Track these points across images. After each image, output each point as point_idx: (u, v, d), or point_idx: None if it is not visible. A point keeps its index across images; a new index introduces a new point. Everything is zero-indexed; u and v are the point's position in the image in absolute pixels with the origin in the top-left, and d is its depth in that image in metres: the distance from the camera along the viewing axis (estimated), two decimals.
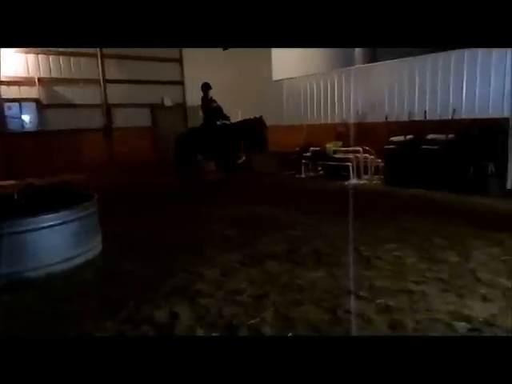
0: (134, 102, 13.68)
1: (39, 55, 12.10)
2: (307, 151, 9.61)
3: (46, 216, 3.78)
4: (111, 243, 4.62)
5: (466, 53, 7.15)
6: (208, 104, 7.90)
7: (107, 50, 12.93)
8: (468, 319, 2.73)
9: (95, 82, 13.04)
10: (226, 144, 7.44)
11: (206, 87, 7.98)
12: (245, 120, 7.68)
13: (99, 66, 13.01)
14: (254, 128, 7.31)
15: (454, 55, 7.34)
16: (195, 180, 8.08)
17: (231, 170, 7.85)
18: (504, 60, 6.64)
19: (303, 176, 9.66)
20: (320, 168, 9.50)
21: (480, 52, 6.98)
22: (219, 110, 7.90)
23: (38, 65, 12.18)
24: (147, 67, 13.85)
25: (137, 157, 12.96)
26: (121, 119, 13.45)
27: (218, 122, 7.66)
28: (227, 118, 7.85)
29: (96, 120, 13.07)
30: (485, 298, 3.03)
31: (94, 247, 4.32)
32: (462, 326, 2.65)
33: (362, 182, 8.39)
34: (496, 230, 4.62)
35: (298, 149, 9.81)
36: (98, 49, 12.75)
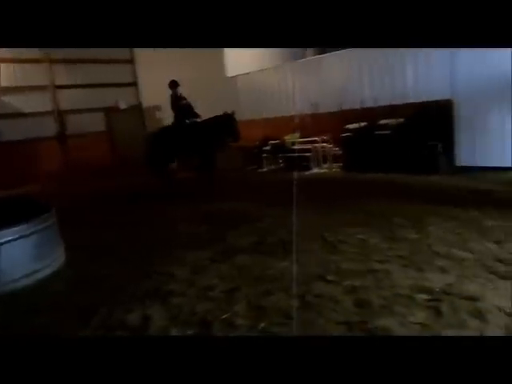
0: (88, 107, 13.26)
1: None
2: (267, 145, 9.72)
3: (3, 231, 3.64)
4: (77, 251, 4.52)
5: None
6: (177, 102, 7.66)
7: (55, 55, 12.44)
8: (427, 291, 2.91)
9: (44, 88, 12.52)
10: (198, 142, 7.30)
11: (173, 85, 7.71)
12: (215, 116, 7.52)
13: (48, 72, 12.50)
14: (226, 122, 7.26)
15: None
16: (165, 179, 7.87)
17: (203, 168, 7.64)
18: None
19: (265, 170, 9.77)
20: (281, 161, 9.65)
21: None
22: (189, 107, 7.69)
23: None
24: (98, 70, 13.44)
25: (95, 162, 12.61)
26: (75, 125, 13.00)
27: (188, 120, 7.49)
28: (198, 116, 7.64)
29: (49, 128, 12.57)
30: (442, 270, 3.23)
31: (57, 258, 4.21)
32: (422, 298, 2.83)
33: (322, 170, 8.61)
34: (449, 205, 4.90)
35: (257, 143, 9.90)
36: (46, 54, 12.24)
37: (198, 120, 7.53)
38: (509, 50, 6.14)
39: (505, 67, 6.28)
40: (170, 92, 7.76)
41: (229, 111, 7.39)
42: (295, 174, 8.44)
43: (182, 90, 7.74)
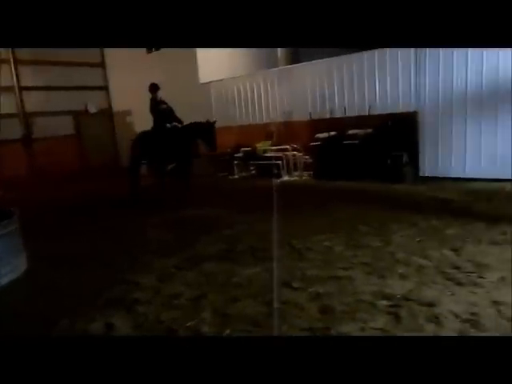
0: (56, 110, 12.93)
1: None
2: (238, 152, 9.77)
3: None
4: (39, 260, 4.40)
5: (376, 54, 7.72)
6: (157, 106, 7.41)
7: (22, 55, 12.08)
8: (388, 297, 3.01)
9: (9, 89, 12.12)
10: (176, 147, 7.06)
11: (153, 88, 7.50)
12: (196, 123, 7.23)
13: (13, 73, 12.12)
14: (206, 130, 7.03)
15: (366, 55, 7.88)
16: (137, 185, 7.66)
17: (179, 174, 7.34)
18: (409, 59, 7.28)
19: (236, 176, 9.81)
20: (252, 168, 9.71)
21: (388, 54, 7.58)
22: (170, 111, 7.44)
23: None
24: (68, 72, 13.15)
25: (61, 167, 12.28)
26: (42, 128, 12.64)
27: (169, 125, 7.22)
28: (179, 120, 7.38)
29: (13, 130, 12.15)
30: (402, 276, 3.35)
31: (17, 266, 4.08)
32: (383, 304, 2.92)
33: (292, 178, 8.72)
34: (411, 213, 5.09)
35: (229, 150, 9.93)
36: (10, 54, 11.87)
37: (179, 125, 7.32)
38: (475, 61, 6.48)
39: (470, 79, 6.60)
40: (149, 96, 7.56)
41: (210, 120, 7.24)
42: (265, 182, 8.55)
43: (161, 94, 7.55)
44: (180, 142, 7.05)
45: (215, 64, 10.71)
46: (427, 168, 7.32)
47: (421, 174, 7.35)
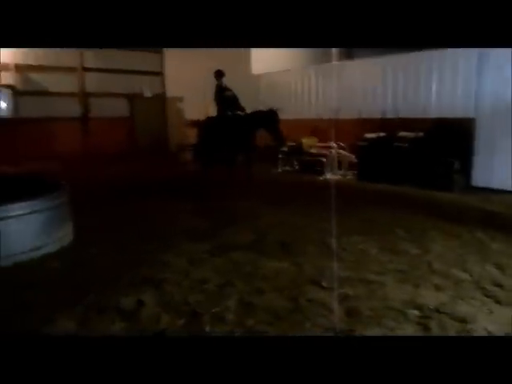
0: (113, 92, 13.50)
1: None
2: (284, 146, 9.71)
3: (12, 205, 3.77)
4: (83, 233, 4.64)
5: (436, 54, 7.37)
6: (222, 92, 7.25)
7: None
8: (419, 307, 2.90)
9: (73, 70, 12.80)
10: (240, 135, 6.91)
11: (218, 74, 7.32)
12: (258, 111, 7.06)
13: (78, 54, 12.77)
14: (269, 118, 6.79)
15: (425, 56, 7.55)
16: (206, 169, 7.62)
17: (243, 163, 7.24)
18: (470, 63, 6.88)
19: (280, 170, 9.78)
20: (296, 163, 9.64)
21: (447, 54, 7.21)
22: (234, 99, 7.23)
23: (15, 51, 11.88)
24: (127, 56, 13.65)
25: (113, 146, 12.84)
26: (98, 108, 13.26)
27: (230, 113, 7.10)
28: (242, 109, 7.19)
29: (72, 109, 12.85)
30: (437, 288, 3.21)
31: (63, 237, 4.33)
32: (413, 314, 2.82)
33: (335, 176, 8.57)
34: (456, 224, 4.84)
35: (274, 143, 9.90)
36: None
37: (241, 113, 7.15)
38: None
39: None
40: (215, 82, 7.44)
41: (274, 107, 6.96)
42: (308, 178, 8.47)
43: (226, 81, 7.39)
44: (243, 131, 6.90)
45: (268, 56, 10.70)
46: (480, 178, 6.93)
47: (472, 183, 6.97)
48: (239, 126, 6.93)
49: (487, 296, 3.06)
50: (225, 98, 7.21)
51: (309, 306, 2.95)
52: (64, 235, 4.37)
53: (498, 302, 2.96)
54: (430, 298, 3.05)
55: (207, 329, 2.65)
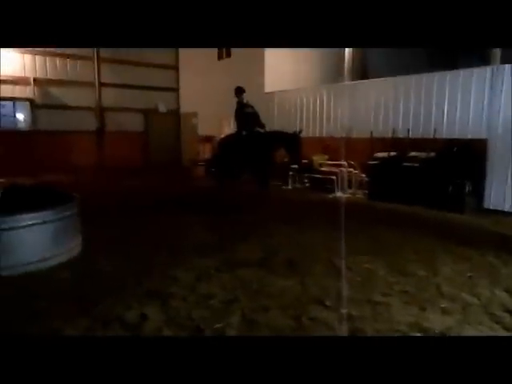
0: (128, 107, 13.81)
1: (36, 56, 12.22)
2: (295, 163, 9.74)
3: (23, 215, 3.85)
4: (92, 245, 4.70)
5: (448, 75, 7.39)
6: (242, 109, 7.15)
7: (104, 54, 13.09)
8: (425, 331, 2.85)
9: (90, 84, 13.16)
10: (259, 153, 6.77)
11: (239, 91, 7.25)
12: (280, 132, 7.00)
13: (95, 69, 13.15)
14: (291, 140, 6.69)
15: (437, 76, 7.58)
16: (221, 185, 7.61)
17: (258, 182, 7.08)
18: (483, 83, 6.88)
19: (290, 187, 9.80)
20: (306, 180, 9.65)
21: (461, 76, 7.23)
22: (254, 116, 7.11)
23: (35, 65, 12.29)
24: (143, 72, 14.03)
25: (127, 160, 13.06)
26: (113, 123, 13.56)
27: (244, 132, 6.95)
28: (262, 126, 7.09)
29: (89, 122, 13.16)
30: (444, 312, 3.16)
31: (73, 248, 4.39)
32: None
33: (345, 195, 8.54)
34: (466, 246, 4.77)
35: (285, 160, 9.95)
36: (94, 52, 12.89)
37: (261, 131, 7.02)
38: None
39: None
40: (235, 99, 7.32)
41: (296, 130, 6.90)
42: (318, 195, 8.46)
43: (247, 98, 7.31)
44: (262, 149, 6.79)
45: (281, 74, 10.85)
46: (493, 200, 6.82)
47: (485, 206, 6.86)
48: (259, 144, 6.80)
49: (495, 322, 2.99)
50: (245, 114, 7.09)
51: (311, 324, 2.93)
52: (73, 246, 4.43)
53: (506, 328, 2.89)
54: (436, 321, 2.99)
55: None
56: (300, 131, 6.87)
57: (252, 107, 7.21)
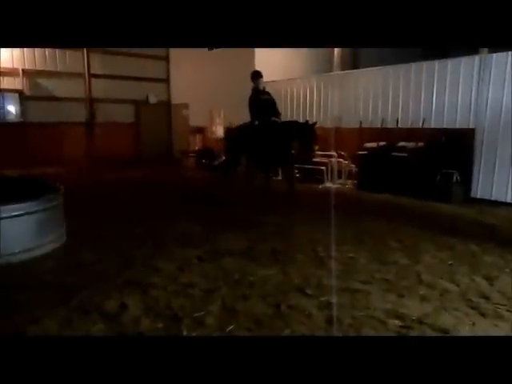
0: (119, 98, 13.70)
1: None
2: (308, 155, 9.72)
3: (6, 206, 3.83)
4: (76, 235, 4.70)
5: (437, 64, 7.38)
6: (257, 96, 6.48)
7: None
8: (402, 317, 2.88)
9: (80, 75, 13.03)
10: (278, 145, 6.20)
11: (255, 76, 6.57)
12: (295, 121, 6.61)
13: (85, 60, 13.01)
14: (306, 131, 6.13)
15: (425, 65, 7.57)
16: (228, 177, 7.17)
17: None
18: (471, 73, 6.87)
19: (280, 178, 9.79)
20: (296, 171, 9.64)
21: (449, 65, 7.22)
22: (270, 104, 6.49)
23: (24, 56, 12.14)
24: (133, 63, 13.89)
25: (117, 151, 12.99)
26: (104, 114, 13.45)
27: (257, 122, 6.39)
28: (278, 114, 6.53)
29: (79, 114, 13.05)
30: (422, 298, 3.19)
31: (57, 238, 4.38)
32: (394, 324, 2.80)
33: (334, 185, 8.56)
34: (450, 235, 4.81)
35: (293, 151, 9.93)
36: None
37: (278, 120, 6.46)
38: None
39: None
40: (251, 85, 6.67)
41: (310, 121, 6.41)
42: (307, 186, 8.47)
43: (264, 84, 6.69)
44: (281, 140, 6.20)
45: (272, 65, 10.78)
46: (480, 190, 6.86)
47: (472, 195, 6.90)
48: (275, 135, 6.21)
49: (472, 308, 3.02)
50: (260, 102, 6.44)
51: (290, 312, 2.95)
52: (57, 237, 4.42)
53: (482, 314, 2.93)
54: (413, 308, 3.03)
55: (184, 333, 2.66)
56: (314, 123, 6.29)
57: (268, 94, 6.60)
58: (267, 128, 6.32)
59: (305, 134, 6.14)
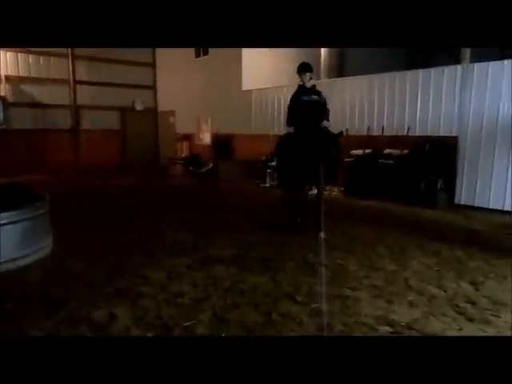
0: (104, 105, 13.59)
1: (7, 52, 11.90)
2: (272, 161, 9.79)
3: None
4: (63, 244, 4.62)
5: (421, 73, 7.54)
6: (300, 96, 5.25)
7: (79, 51, 12.83)
8: (391, 323, 2.91)
9: (65, 82, 12.89)
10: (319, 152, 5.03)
11: (303, 69, 5.24)
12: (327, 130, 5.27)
13: (69, 67, 12.88)
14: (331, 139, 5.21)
15: (409, 74, 7.73)
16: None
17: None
18: (454, 82, 7.04)
19: (267, 185, 9.83)
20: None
21: (433, 74, 7.38)
22: (316, 106, 5.19)
23: (6, 62, 11.97)
24: (119, 70, 13.82)
25: (103, 158, 12.87)
26: (89, 121, 13.32)
27: (291, 129, 5.28)
28: (325, 118, 5.30)
29: (63, 121, 12.89)
30: (411, 304, 3.23)
31: (43, 248, 4.30)
32: (384, 330, 2.83)
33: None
34: (436, 241, 4.89)
35: (263, 158, 9.99)
36: (69, 49, 12.62)
37: (327, 124, 5.30)
38: None
39: None
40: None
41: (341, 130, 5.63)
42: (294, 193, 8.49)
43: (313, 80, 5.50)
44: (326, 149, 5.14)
45: (259, 72, 10.87)
46: (463, 196, 7.01)
47: (456, 201, 7.05)
48: (320, 143, 5.09)
49: (459, 313, 3.07)
50: (303, 104, 5.19)
51: (281, 320, 2.95)
52: (43, 246, 4.35)
53: (469, 319, 2.98)
54: (402, 314, 3.06)
55: None
56: (341, 132, 5.51)
57: (318, 93, 5.28)
58: (306, 137, 5.07)
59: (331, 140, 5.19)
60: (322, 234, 4.99)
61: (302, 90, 5.30)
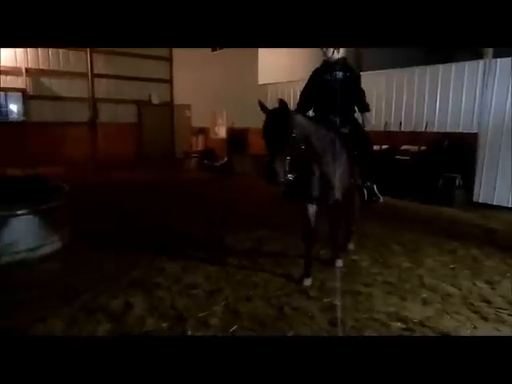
0: (121, 98, 13.73)
1: None
2: None
3: (9, 206, 3.86)
4: (80, 236, 4.72)
5: (441, 69, 7.40)
6: (323, 74, 3.79)
7: None
8: (404, 320, 2.90)
9: (83, 75, 13.06)
10: None
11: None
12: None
13: (88, 60, 13.04)
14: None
15: (429, 69, 7.59)
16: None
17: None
18: (475, 79, 6.88)
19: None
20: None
21: (454, 69, 7.23)
22: (347, 87, 3.67)
23: (27, 55, 12.17)
24: (137, 64, 13.91)
25: (120, 151, 13.03)
26: (106, 114, 13.48)
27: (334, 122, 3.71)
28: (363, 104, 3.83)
29: (81, 113, 13.07)
30: (425, 302, 3.21)
31: (59, 239, 4.39)
32: (396, 326, 2.82)
33: None
34: (453, 239, 4.82)
35: None
36: None
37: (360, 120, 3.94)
38: None
39: None
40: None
41: None
42: None
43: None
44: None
45: (275, 67, 10.82)
46: (482, 194, 6.88)
47: (474, 199, 6.92)
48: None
49: (473, 312, 3.04)
50: (323, 85, 3.76)
51: (293, 314, 2.97)
52: (62, 237, 4.44)
53: (483, 318, 2.95)
54: (415, 311, 3.05)
55: (189, 332, 2.68)
56: None
57: (349, 69, 3.75)
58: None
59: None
60: (339, 262, 3.91)
61: (324, 66, 3.82)
